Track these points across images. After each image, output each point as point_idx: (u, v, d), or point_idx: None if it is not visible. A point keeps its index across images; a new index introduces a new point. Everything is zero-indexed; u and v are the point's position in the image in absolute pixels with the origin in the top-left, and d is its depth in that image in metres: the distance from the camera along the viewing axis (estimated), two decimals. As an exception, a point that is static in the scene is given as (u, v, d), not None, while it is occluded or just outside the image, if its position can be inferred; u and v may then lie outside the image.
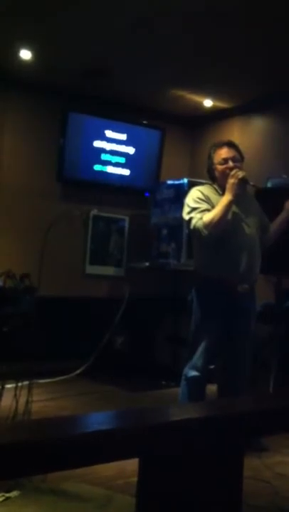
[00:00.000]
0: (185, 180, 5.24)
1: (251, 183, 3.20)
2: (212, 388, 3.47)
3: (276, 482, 2.84)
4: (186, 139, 6.13)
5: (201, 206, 3.12)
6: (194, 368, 3.23)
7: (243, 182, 3.12)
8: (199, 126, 5.97)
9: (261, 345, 4.10)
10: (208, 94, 5.31)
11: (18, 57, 4.62)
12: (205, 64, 4.54)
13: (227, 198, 3.07)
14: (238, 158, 3.23)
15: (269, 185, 4.61)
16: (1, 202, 5.24)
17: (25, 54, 4.57)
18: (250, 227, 3.22)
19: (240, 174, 3.10)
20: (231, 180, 3.09)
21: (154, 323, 5.39)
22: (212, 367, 3.46)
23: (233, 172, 3.11)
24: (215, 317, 3.19)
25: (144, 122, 5.78)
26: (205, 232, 3.07)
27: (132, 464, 1.38)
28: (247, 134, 5.55)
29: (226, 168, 3.17)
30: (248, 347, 3.29)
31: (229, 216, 3.09)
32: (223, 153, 3.21)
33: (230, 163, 3.17)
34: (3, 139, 5.25)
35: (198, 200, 3.15)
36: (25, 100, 5.29)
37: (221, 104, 5.54)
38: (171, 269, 5.30)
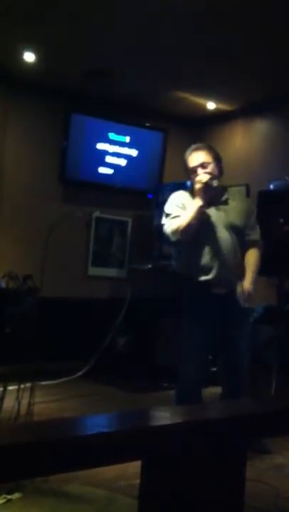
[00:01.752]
0: (188, 183, 5.24)
1: (214, 185, 3.13)
2: (212, 390, 3.48)
3: (278, 484, 2.84)
4: (189, 141, 6.10)
5: (173, 212, 3.13)
6: (184, 379, 3.19)
7: (207, 186, 3.08)
8: (202, 128, 5.97)
9: (263, 347, 4.10)
10: (211, 96, 5.31)
11: (21, 60, 4.63)
12: (208, 66, 4.54)
13: (195, 204, 3.07)
14: (208, 161, 3.16)
15: (271, 187, 4.61)
16: (3, 203, 5.24)
17: (29, 56, 4.59)
18: (227, 231, 3.15)
19: (204, 178, 3.08)
20: (196, 186, 3.09)
21: (156, 324, 5.38)
22: (214, 369, 3.46)
23: (198, 178, 3.10)
24: (198, 321, 3.13)
25: (147, 124, 5.78)
26: (173, 238, 3.11)
27: (133, 466, 1.38)
28: (250, 136, 5.55)
29: (195, 177, 3.15)
30: (241, 349, 3.20)
31: (194, 221, 3.04)
32: (191, 161, 3.18)
33: (199, 171, 3.14)
34: (5, 141, 5.25)
35: (173, 206, 3.17)
36: (29, 101, 5.30)
37: (223, 107, 5.54)
38: (173, 271, 5.29)
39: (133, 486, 2.32)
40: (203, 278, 3.11)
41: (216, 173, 3.16)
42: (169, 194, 5.45)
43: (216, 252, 3.10)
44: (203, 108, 5.57)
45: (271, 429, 1.61)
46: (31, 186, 5.34)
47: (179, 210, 3.12)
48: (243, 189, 5.00)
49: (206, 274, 3.10)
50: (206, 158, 3.15)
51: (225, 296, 3.12)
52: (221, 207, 3.17)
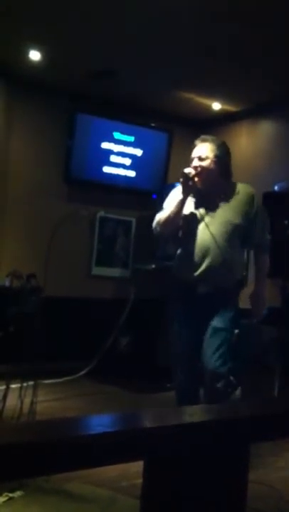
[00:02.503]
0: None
1: (190, 176, 2.98)
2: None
3: (280, 486, 2.83)
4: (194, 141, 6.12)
5: (164, 206, 3.11)
6: (177, 379, 3.12)
7: (185, 177, 2.96)
8: (207, 128, 5.96)
9: (265, 349, 4.10)
10: (216, 96, 5.31)
11: (27, 58, 4.64)
12: (214, 66, 4.54)
13: (178, 196, 3.02)
14: (205, 156, 3.03)
15: (276, 188, 4.60)
16: (8, 202, 5.25)
17: (35, 55, 4.59)
18: (219, 230, 2.99)
19: (186, 170, 2.98)
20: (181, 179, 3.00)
21: (159, 325, 5.38)
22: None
23: (183, 169, 3.02)
24: (183, 320, 3.06)
25: (152, 124, 5.78)
26: (157, 230, 3.09)
27: (135, 466, 1.38)
28: (255, 137, 5.54)
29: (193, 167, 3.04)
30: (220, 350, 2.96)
31: (172, 214, 2.98)
32: (193, 151, 3.09)
33: (193, 163, 3.04)
34: (11, 139, 5.26)
35: (167, 200, 3.13)
36: (34, 100, 5.31)
37: (229, 107, 5.54)
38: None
39: (135, 485, 2.33)
40: (186, 277, 3.03)
41: (211, 168, 3.02)
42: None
43: (204, 251, 2.98)
44: (209, 109, 5.57)
45: (274, 431, 1.61)
46: (36, 185, 5.35)
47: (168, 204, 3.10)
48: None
49: (191, 273, 3.00)
50: (205, 152, 3.04)
51: (209, 296, 2.98)
52: (211, 207, 3.03)
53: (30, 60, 4.68)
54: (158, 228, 3.08)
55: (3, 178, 5.17)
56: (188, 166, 3.06)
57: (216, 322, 2.98)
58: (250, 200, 3.08)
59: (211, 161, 3.03)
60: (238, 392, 3.62)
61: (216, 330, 2.97)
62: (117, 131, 5.56)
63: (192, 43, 4.15)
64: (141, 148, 5.70)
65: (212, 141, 3.09)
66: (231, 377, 3.10)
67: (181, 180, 2.99)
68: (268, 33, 3.90)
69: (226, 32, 3.91)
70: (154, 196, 5.74)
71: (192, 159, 3.06)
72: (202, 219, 3.03)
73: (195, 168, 3.01)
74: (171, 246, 3.24)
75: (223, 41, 4.07)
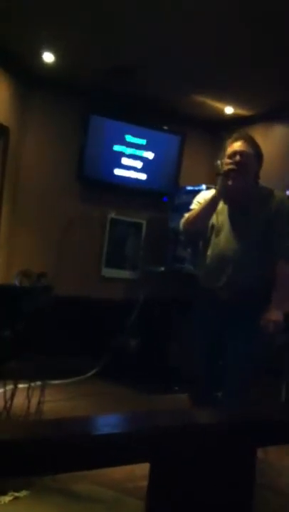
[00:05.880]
0: (203, 187, 5.23)
1: (231, 173, 2.74)
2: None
3: (287, 491, 2.82)
4: (207, 144, 6.12)
5: (192, 207, 2.94)
6: (193, 380, 3.00)
7: (225, 175, 2.73)
8: (220, 132, 5.96)
9: (275, 353, 4.07)
10: (229, 100, 5.30)
11: (41, 59, 4.66)
12: (228, 70, 4.53)
13: (211, 194, 2.82)
14: (251, 154, 2.79)
15: None
16: (20, 200, 5.28)
17: (48, 56, 4.62)
18: (239, 239, 2.79)
19: (227, 166, 2.73)
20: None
21: (168, 326, 5.38)
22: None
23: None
24: (201, 323, 2.94)
25: (165, 128, 5.78)
26: (181, 228, 2.92)
27: (141, 469, 1.38)
28: (268, 141, 5.51)
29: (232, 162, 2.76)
30: (240, 365, 2.79)
31: (203, 211, 2.79)
32: (236, 146, 2.79)
33: (237, 157, 2.76)
34: (25, 139, 5.29)
35: (196, 202, 2.95)
36: (48, 101, 5.33)
37: (242, 111, 5.52)
38: (187, 274, 5.29)
39: (140, 487, 2.32)
40: (207, 281, 2.91)
41: (251, 166, 2.78)
42: (185, 198, 5.50)
43: (225, 259, 2.80)
44: (221, 112, 5.56)
45: (281, 436, 1.60)
46: (48, 184, 5.37)
47: (198, 205, 2.92)
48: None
49: (211, 277, 2.87)
50: (245, 148, 2.78)
51: (228, 302, 2.80)
52: (237, 211, 2.84)
53: (45, 62, 4.70)
54: (185, 226, 2.88)
55: (15, 177, 5.19)
56: (219, 164, 2.82)
57: (240, 344, 2.77)
58: (279, 206, 2.83)
59: (252, 157, 2.80)
60: None
61: (239, 356, 2.77)
62: (129, 133, 5.58)
63: (207, 47, 4.14)
64: (152, 151, 5.70)
65: (251, 138, 2.85)
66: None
67: (220, 177, 2.74)
68: (281, 37, 3.88)
69: (242, 36, 3.90)
70: (165, 199, 5.75)
71: (229, 155, 2.79)
72: (228, 223, 2.85)
73: (235, 162, 2.76)
74: (190, 247, 3.12)
75: (238, 45, 4.06)
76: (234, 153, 2.76)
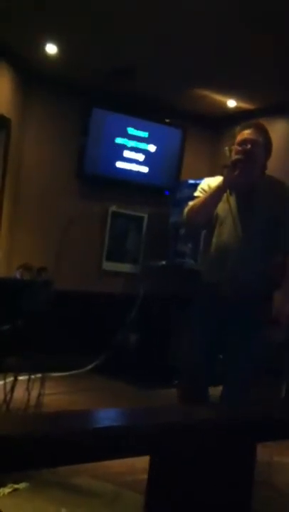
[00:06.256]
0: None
1: (239, 163, 2.65)
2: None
3: (286, 489, 2.82)
4: (208, 138, 6.11)
5: (196, 194, 2.84)
6: (184, 372, 2.96)
7: (233, 165, 2.64)
8: (222, 126, 5.94)
9: (275, 351, 4.07)
10: (231, 94, 5.28)
11: (43, 51, 4.63)
12: (230, 64, 4.51)
13: (218, 184, 2.72)
14: (260, 143, 2.72)
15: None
16: (21, 196, 5.27)
17: (51, 48, 4.58)
18: (243, 231, 2.73)
19: (235, 156, 2.64)
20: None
21: (168, 321, 5.38)
22: None
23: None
24: (201, 318, 2.88)
25: (167, 121, 5.77)
26: (184, 217, 2.82)
27: (141, 461, 1.38)
28: (271, 137, 5.49)
29: (241, 150, 2.66)
30: (240, 365, 2.75)
31: (208, 201, 2.70)
32: (246, 134, 2.70)
33: (248, 146, 2.67)
34: (25, 134, 5.27)
35: (200, 190, 2.85)
36: (49, 95, 5.31)
37: (244, 105, 5.50)
38: (187, 269, 5.28)
39: (140, 481, 2.32)
40: (209, 273, 2.85)
41: (260, 154, 2.72)
42: (187, 192, 5.48)
43: (228, 252, 2.73)
44: (224, 106, 5.54)
45: (280, 433, 1.60)
46: (49, 180, 5.35)
47: (202, 193, 2.82)
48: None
49: (212, 268, 2.81)
50: (254, 136, 2.70)
51: (229, 300, 2.74)
52: (242, 204, 2.75)
53: (47, 54, 4.67)
54: (189, 215, 2.78)
55: (16, 172, 5.18)
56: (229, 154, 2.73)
57: (241, 343, 2.73)
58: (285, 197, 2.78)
59: (262, 146, 2.73)
60: None
61: (239, 355, 2.74)
62: (131, 126, 5.56)
63: (209, 41, 4.12)
64: (154, 144, 5.69)
65: (262, 126, 2.79)
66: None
67: (229, 166, 2.65)
68: (284, 31, 3.86)
69: (244, 31, 3.88)
70: (167, 192, 5.74)
71: (238, 143, 2.71)
72: (233, 215, 2.75)
73: (244, 151, 2.67)
74: (191, 241, 3.05)
75: (241, 39, 4.04)
76: (244, 141, 2.69)
